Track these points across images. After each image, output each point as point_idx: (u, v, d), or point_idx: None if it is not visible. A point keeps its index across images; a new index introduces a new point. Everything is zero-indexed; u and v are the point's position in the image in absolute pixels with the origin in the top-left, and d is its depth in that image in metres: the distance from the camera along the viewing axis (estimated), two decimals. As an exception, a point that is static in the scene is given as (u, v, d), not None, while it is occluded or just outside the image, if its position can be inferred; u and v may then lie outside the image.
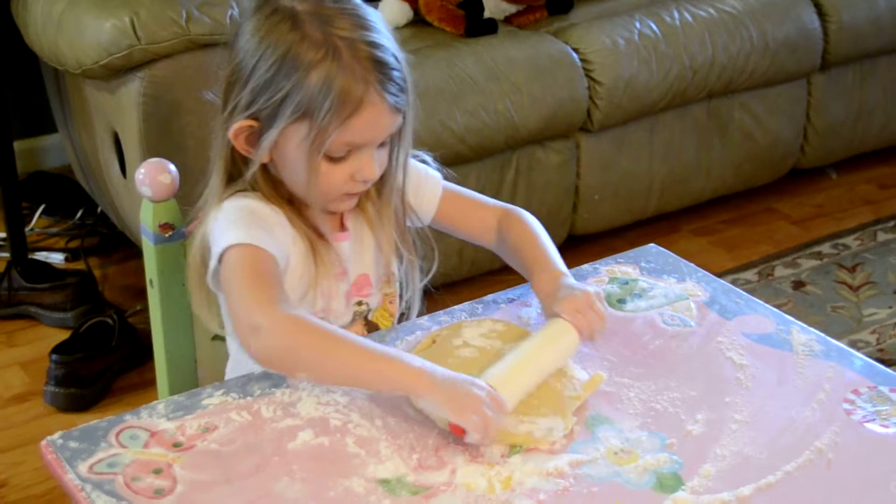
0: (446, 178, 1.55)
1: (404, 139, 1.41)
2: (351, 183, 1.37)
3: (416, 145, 2.61)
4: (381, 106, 1.32)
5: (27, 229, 2.92)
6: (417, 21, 2.89)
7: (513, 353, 1.30)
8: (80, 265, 2.84)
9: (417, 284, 1.51)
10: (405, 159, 1.43)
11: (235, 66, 1.36)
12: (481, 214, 1.54)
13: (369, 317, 1.49)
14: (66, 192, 3.08)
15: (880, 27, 3.18)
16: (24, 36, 2.58)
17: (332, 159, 1.34)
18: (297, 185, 1.39)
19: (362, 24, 1.33)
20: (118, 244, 2.92)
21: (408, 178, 1.47)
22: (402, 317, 1.54)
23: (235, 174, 1.40)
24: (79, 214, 3.03)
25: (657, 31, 2.85)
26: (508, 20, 2.91)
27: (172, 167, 1.49)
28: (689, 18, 2.90)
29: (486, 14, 2.84)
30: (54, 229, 3.02)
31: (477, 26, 2.80)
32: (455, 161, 2.61)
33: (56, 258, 2.88)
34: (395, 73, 1.33)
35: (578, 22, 2.89)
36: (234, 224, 1.34)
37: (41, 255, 2.87)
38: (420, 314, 1.52)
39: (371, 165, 1.36)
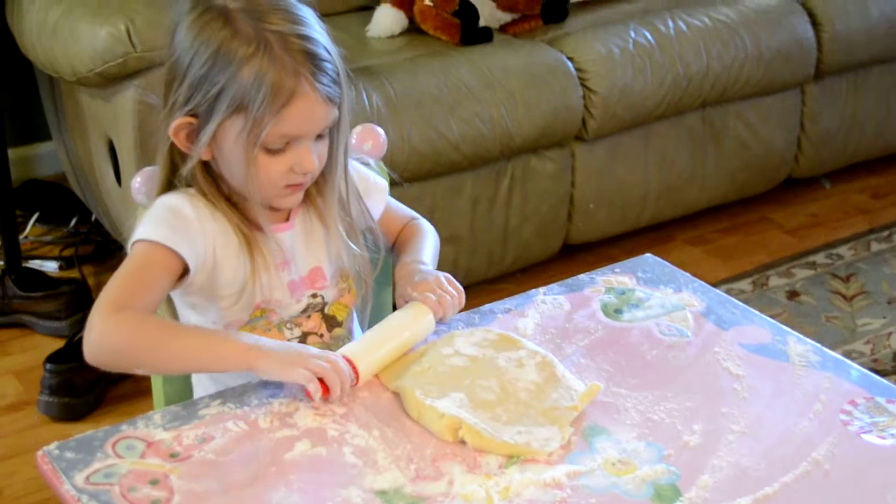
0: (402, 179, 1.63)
1: (342, 130, 1.44)
2: (290, 175, 1.40)
3: (411, 154, 2.62)
4: (313, 96, 1.36)
5: (21, 237, 2.91)
6: (412, 29, 2.89)
7: (369, 331, 1.38)
8: (74, 273, 2.83)
9: (371, 277, 1.54)
10: (345, 149, 1.47)
11: (172, 64, 1.40)
12: (396, 223, 1.61)
13: (326, 310, 1.51)
14: (60, 200, 3.07)
15: (873, 37, 3.19)
16: (18, 43, 2.57)
17: (270, 151, 1.38)
18: (237, 181, 1.41)
19: (294, 19, 1.37)
20: (113, 252, 2.91)
21: (358, 179, 1.52)
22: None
23: (174, 172, 1.44)
24: (73, 222, 3.02)
25: (652, 40, 2.85)
26: (503, 29, 2.91)
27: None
28: (684, 27, 2.91)
29: (482, 23, 2.84)
30: (48, 237, 3.02)
31: (472, 35, 2.80)
32: (450, 170, 2.61)
33: (50, 266, 2.87)
34: (327, 65, 1.37)
35: (573, 31, 2.89)
36: (150, 219, 1.39)
37: (35, 264, 2.86)
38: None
39: (309, 157, 1.39)
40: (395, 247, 1.60)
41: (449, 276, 1.46)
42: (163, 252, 1.36)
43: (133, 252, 1.38)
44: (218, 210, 1.42)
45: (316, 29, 1.39)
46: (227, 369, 1.32)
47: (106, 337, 1.31)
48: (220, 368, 1.33)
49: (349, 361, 1.31)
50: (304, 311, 1.49)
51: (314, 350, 1.30)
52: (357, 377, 1.31)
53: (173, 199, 1.41)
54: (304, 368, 1.26)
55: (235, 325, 1.45)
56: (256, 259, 1.42)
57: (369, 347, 1.35)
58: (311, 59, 1.35)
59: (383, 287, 1.70)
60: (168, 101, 1.41)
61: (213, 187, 1.43)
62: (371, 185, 1.57)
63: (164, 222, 1.38)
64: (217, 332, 1.37)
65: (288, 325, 1.48)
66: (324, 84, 1.36)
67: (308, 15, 1.39)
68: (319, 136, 1.41)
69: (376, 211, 1.57)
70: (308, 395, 1.27)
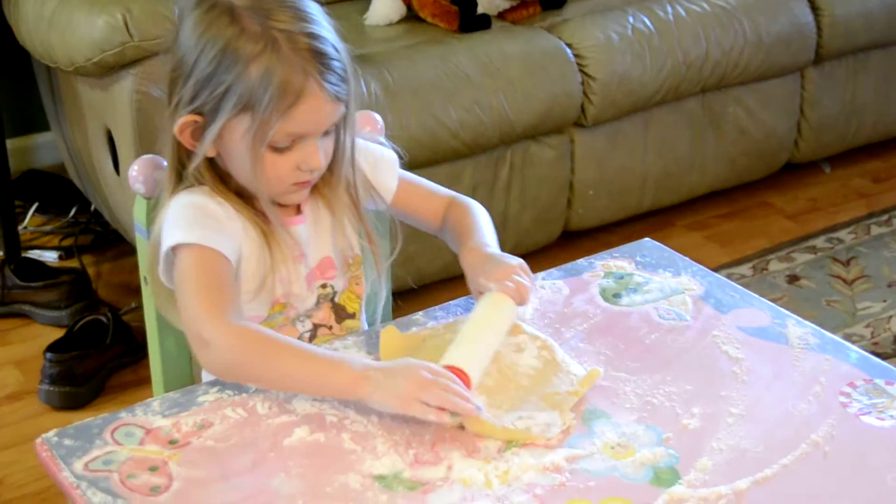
0: (403, 166, 1.56)
1: (349, 124, 1.42)
2: (297, 173, 1.38)
3: (410, 142, 2.62)
4: (321, 96, 1.34)
5: (20, 228, 2.91)
6: (411, 17, 2.89)
7: (461, 332, 1.32)
8: (73, 263, 2.84)
9: (383, 265, 1.52)
10: (352, 143, 1.45)
11: (177, 62, 1.38)
12: (434, 202, 1.56)
13: (336, 299, 1.50)
14: (59, 190, 3.07)
15: (873, 21, 3.18)
16: (15, 34, 2.57)
17: (277, 150, 1.36)
18: (244, 178, 1.40)
19: (301, 17, 1.35)
20: (112, 242, 2.92)
21: (364, 160, 1.49)
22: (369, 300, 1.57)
23: (182, 169, 1.41)
24: (72, 212, 3.02)
25: (650, 26, 2.85)
26: (502, 16, 2.90)
27: (165, 163, 1.49)
28: (683, 13, 2.90)
29: (480, 10, 2.83)
30: (48, 227, 3.02)
31: (470, 22, 2.80)
32: (449, 157, 2.61)
33: (50, 256, 2.87)
34: (335, 64, 1.35)
35: (572, 17, 2.88)
36: (181, 221, 1.36)
37: (35, 254, 2.86)
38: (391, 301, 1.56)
39: (316, 155, 1.37)
40: (447, 230, 1.54)
41: (523, 263, 1.41)
42: (210, 253, 1.34)
43: (182, 262, 1.34)
44: (233, 206, 1.40)
45: (324, 26, 1.37)
46: (337, 396, 1.27)
47: (225, 350, 1.27)
48: (328, 395, 1.27)
49: (458, 371, 1.26)
50: (317, 302, 1.48)
51: (423, 371, 1.23)
52: (468, 385, 1.26)
53: (196, 198, 1.39)
54: (421, 402, 1.21)
55: (254, 320, 1.43)
56: (275, 252, 1.41)
57: (471, 351, 1.30)
58: (319, 59, 1.33)
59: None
60: (173, 98, 1.38)
61: (221, 184, 1.41)
62: (378, 159, 1.53)
63: (197, 223, 1.35)
64: (329, 357, 1.29)
65: (300, 319, 1.47)
66: (332, 83, 1.34)
67: (315, 11, 1.37)
68: (326, 133, 1.39)
69: (389, 185, 1.53)
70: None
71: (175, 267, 1.36)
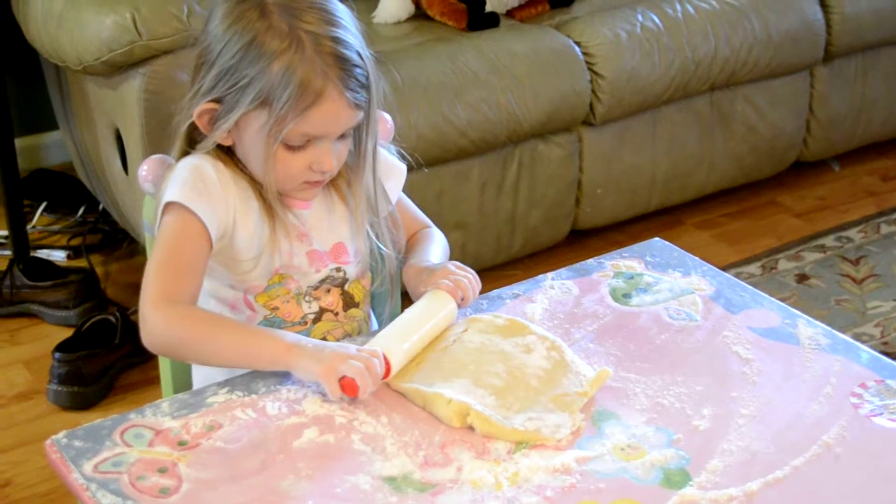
0: (410, 165, 1.59)
1: (371, 130, 1.45)
2: (308, 172, 1.41)
3: (418, 140, 2.62)
4: (339, 101, 1.36)
5: (29, 227, 2.91)
6: (419, 15, 2.88)
7: (393, 323, 1.36)
8: (82, 263, 2.84)
9: (394, 266, 1.54)
10: (374, 149, 1.47)
11: (203, 49, 1.41)
12: (411, 226, 1.59)
13: (346, 287, 1.51)
14: (67, 190, 3.07)
15: (883, 18, 3.17)
16: (24, 33, 2.57)
17: (291, 148, 1.39)
18: (256, 170, 1.43)
19: (329, 20, 1.37)
20: (120, 241, 2.92)
21: (378, 165, 1.51)
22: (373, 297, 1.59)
23: (191, 150, 1.44)
24: (80, 212, 3.02)
25: (659, 24, 2.84)
26: (510, 14, 2.90)
27: (173, 155, 1.49)
28: (692, 11, 2.89)
29: (488, 8, 2.83)
30: (56, 227, 3.02)
31: (478, 20, 2.79)
32: (457, 155, 2.61)
33: (58, 256, 2.87)
34: (357, 70, 1.37)
35: (580, 15, 2.88)
36: (178, 180, 1.40)
37: (43, 253, 2.87)
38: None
39: (329, 157, 1.40)
40: (404, 253, 1.57)
41: (458, 263, 1.46)
42: (192, 220, 1.37)
43: (164, 225, 1.38)
44: (233, 173, 1.43)
45: (351, 31, 1.38)
46: (267, 367, 1.31)
47: (158, 334, 1.34)
48: (261, 366, 1.32)
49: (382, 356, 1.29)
50: (324, 281, 1.49)
51: (352, 349, 1.28)
52: (388, 370, 1.29)
53: (196, 160, 1.42)
54: (338, 371, 1.25)
55: (254, 291, 1.46)
56: (277, 224, 1.43)
57: (397, 339, 1.33)
58: (342, 64, 1.35)
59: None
60: (195, 84, 1.42)
61: (232, 164, 1.44)
62: (391, 168, 1.56)
63: (189, 184, 1.39)
64: (262, 329, 1.37)
65: (307, 299, 1.48)
66: (351, 89, 1.36)
67: (344, 16, 1.39)
68: (341, 136, 1.41)
69: (393, 193, 1.56)
70: (346, 393, 1.26)
71: (159, 228, 1.40)
